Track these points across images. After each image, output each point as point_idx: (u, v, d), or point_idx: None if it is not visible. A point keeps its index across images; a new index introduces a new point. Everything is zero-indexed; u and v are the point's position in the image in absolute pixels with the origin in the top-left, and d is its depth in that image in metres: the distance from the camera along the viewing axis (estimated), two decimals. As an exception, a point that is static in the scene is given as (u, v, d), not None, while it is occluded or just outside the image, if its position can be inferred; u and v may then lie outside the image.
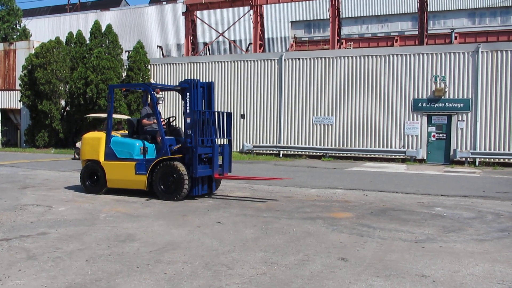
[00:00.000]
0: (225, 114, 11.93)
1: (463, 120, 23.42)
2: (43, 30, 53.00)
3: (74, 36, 32.14)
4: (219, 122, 11.78)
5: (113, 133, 12.04)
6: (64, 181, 14.53)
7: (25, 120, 33.26)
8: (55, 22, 54.86)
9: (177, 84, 11.76)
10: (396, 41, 37.81)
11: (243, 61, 28.37)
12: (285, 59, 27.08)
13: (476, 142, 23.16)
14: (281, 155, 26.69)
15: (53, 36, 32.56)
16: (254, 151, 27.31)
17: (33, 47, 32.88)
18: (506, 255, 6.69)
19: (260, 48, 33.29)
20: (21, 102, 31.79)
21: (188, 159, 11.13)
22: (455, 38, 34.34)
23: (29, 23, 48.95)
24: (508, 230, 8.37)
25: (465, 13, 44.35)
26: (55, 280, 5.43)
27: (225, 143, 12.05)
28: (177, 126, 12.90)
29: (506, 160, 22.79)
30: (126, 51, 33.58)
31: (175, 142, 11.50)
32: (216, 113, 11.79)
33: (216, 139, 11.70)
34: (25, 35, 42.59)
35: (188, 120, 11.08)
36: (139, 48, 29.93)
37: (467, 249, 7.00)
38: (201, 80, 11.76)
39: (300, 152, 26.53)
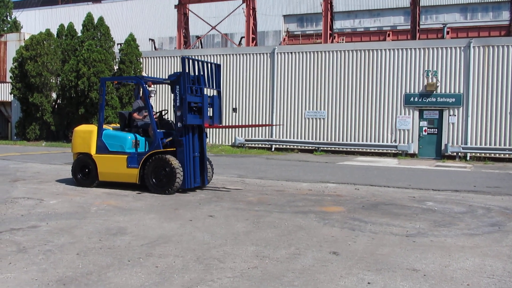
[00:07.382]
0: (214, 65, 11.81)
1: (455, 115, 23.50)
2: (34, 22, 52.64)
3: (66, 29, 31.91)
4: (208, 73, 11.62)
5: (104, 126, 11.99)
6: (55, 174, 14.45)
7: (16, 113, 33.03)
8: (46, 14, 54.50)
9: (167, 77, 11.63)
10: (389, 35, 37.87)
11: (236, 54, 28.30)
12: (277, 53, 27.03)
13: (468, 137, 23.26)
14: (273, 149, 26.69)
15: (44, 28, 32.26)
16: (246, 145, 27.29)
17: (24, 39, 32.61)
18: (496, 250, 6.73)
19: (252, 42, 33.20)
20: (12, 95, 31.55)
21: (179, 152, 11.09)
22: (447, 33, 34.42)
23: (20, 15, 48.53)
24: (499, 224, 8.42)
25: (457, 8, 44.49)
26: (45, 273, 5.40)
27: (214, 94, 11.99)
28: (169, 119, 12.83)
29: (497, 155, 22.91)
30: (118, 44, 33.37)
31: (167, 135, 11.44)
32: (206, 64, 11.58)
33: (205, 89, 11.54)
34: (15, 27, 42.21)
35: (178, 113, 10.99)
36: (131, 41, 29.75)
37: (457, 243, 7.04)
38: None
39: (292, 146, 26.54)
